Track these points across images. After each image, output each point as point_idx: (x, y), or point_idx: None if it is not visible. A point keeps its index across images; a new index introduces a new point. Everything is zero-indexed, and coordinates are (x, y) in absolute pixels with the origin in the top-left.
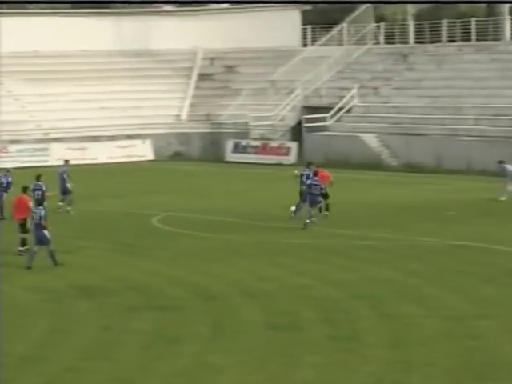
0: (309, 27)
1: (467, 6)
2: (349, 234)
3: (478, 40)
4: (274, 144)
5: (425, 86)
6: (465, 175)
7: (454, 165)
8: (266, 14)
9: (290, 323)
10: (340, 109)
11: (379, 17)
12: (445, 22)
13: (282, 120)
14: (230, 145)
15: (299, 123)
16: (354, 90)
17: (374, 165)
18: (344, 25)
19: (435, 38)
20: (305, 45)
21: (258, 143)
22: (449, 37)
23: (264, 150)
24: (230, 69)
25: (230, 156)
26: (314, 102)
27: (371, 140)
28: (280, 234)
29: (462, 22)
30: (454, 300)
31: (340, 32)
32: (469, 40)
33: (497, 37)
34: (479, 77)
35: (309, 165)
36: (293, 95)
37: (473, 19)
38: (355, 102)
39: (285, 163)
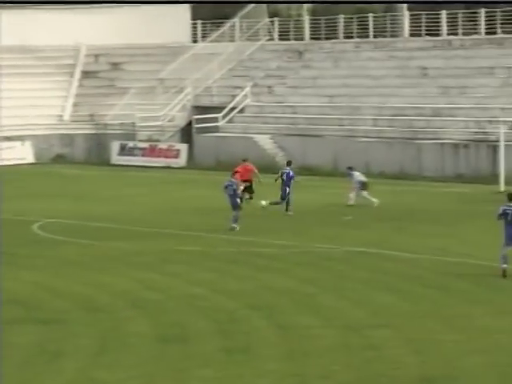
0: (199, 22)
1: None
2: (243, 240)
3: (375, 36)
4: (162, 146)
5: (321, 85)
6: None
7: None
8: (154, 8)
9: (181, 335)
10: (232, 109)
11: (273, 12)
12: (341, 18)
13: (171, 120)
14: (115, 147)
15: (189, 124)
16: (247, 89)
17: (268, 167)
18: (236, 20)
19: (332, 34)
20: (195, 41)
21: (145, 145)
22: (346, 33)
23: (152, 152)
24: (115, 66)
25: (116, 159)
26: (205, 102)
27: (265, 141)
28: (171, 241)
29: (359, 17)
30: (351, 309)
31: (232, 27)
32: (366, 36)
33: (395, 33)
34: (377, 75)
35: (289, 163)
36: (182, 94)
37: (370, 15)
38: (248, 101)
39: (174, 166)
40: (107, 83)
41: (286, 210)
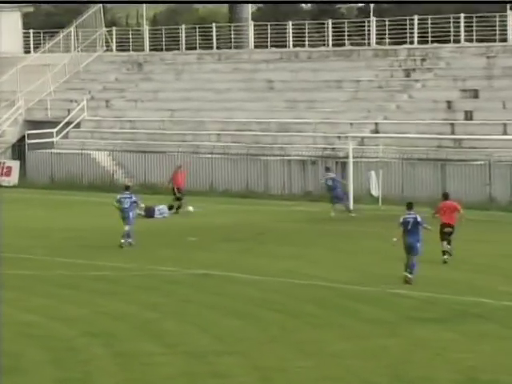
0: (31, 32)
1: (207, 11)
2: (80, 263)
3: (219, 48)
4: None
5: (162, 99)
6: (207, 197)
7: (196, 185)
8: None
9: (14, 366)
10: (68, 123)
11: (111, 21)
12: (183, 28)
13: (1, 136)
14: None
15: (22, 139)
16: (84, 103)
17: (106, 186)
18: (71, 29)
19: (173, 45)
20: (27, 51)
21: None
22: (188, 44)
23: None
24: None
25: None
26: (39, 116)
27: (103, 158)
28: (2, 265)
29: (201, 27)
30: (195, 335)
31: (67, 37)
32: (210, 48)
33: (240, 45)
34: (221, 88)
35: (327, 169)
36: (14, 108)
37: (214, 25)
38: (85, 115)
39: (5, 185)
40: None
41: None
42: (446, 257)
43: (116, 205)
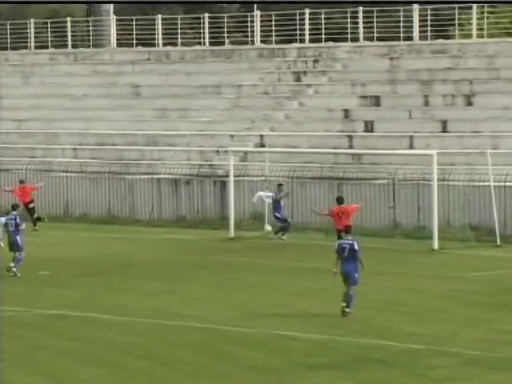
0: None
1: (61, 5)
2: None
3: (75, 47)
4: None
5: (7, 106)
6: (62, 223)
7: (48, 209)
8: None
9: None
10: None
11: None
12: (32, 23)
13: None
14: None
15: None
16: None
17: None
18: None
19: (20, 43)
20: None
21: None
22: (38, 42)
23: None
24: None
25: None
26: None
27: None
28: None
29: (54, 22)
30: None
31: None
32: (64, 46)
33: (99, 43)
34: (78, 94)
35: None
36: None
37: (69, 19)
38: None
39: None
40: None
41: None
42: None
43: None
